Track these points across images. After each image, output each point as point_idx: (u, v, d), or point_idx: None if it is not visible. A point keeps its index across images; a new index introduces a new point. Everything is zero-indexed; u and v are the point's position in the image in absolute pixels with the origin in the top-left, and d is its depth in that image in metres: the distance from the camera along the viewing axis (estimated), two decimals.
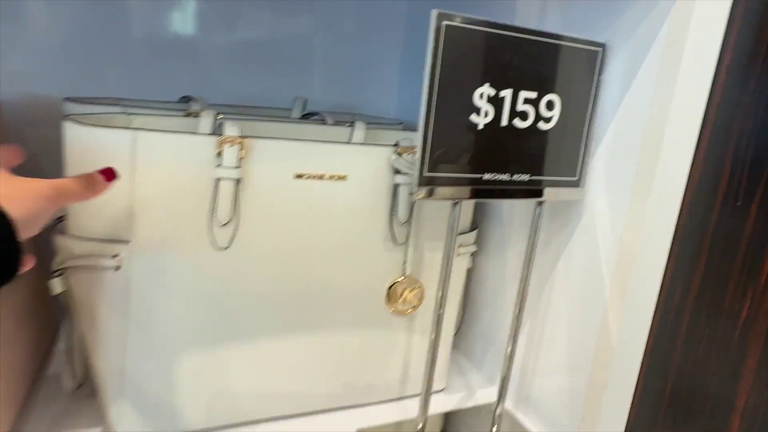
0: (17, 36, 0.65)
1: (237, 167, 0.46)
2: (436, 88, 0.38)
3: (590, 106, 0.44)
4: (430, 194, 0.42)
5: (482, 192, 0.44)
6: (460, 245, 0.56)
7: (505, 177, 0.43)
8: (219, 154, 0.45)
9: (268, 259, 0.48)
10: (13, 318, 0.50)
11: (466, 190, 0.43)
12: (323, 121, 0.58)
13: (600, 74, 0.43)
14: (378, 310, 0.54)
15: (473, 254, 0.59)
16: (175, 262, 0.46)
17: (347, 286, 0.52)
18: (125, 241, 0.45)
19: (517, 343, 0.53)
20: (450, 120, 0.39)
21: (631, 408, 0.47)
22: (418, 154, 0.40)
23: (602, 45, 0.43)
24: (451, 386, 0.62)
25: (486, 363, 0.64)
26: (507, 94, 0.40)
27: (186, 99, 0.58)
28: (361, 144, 0.50)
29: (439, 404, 0.59)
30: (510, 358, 0.53)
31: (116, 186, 0.44)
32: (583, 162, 0.46)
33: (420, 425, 0.51)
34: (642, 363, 0.46)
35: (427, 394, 0.50)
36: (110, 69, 0.69)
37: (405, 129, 0.64)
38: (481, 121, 0.41)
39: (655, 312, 0.45)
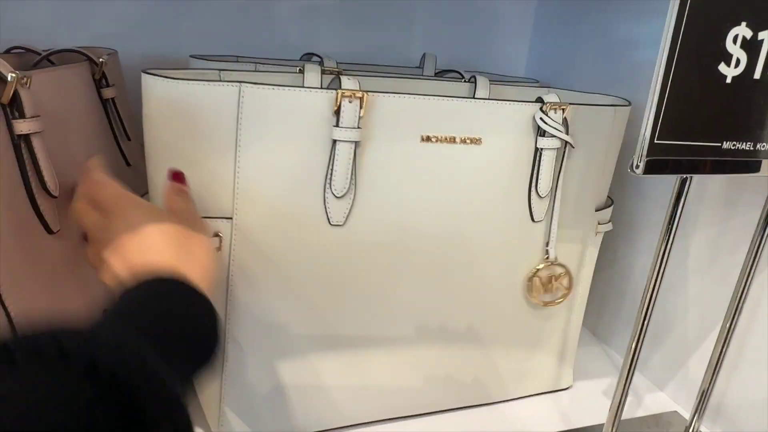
0: None
1: (357, 128, 0.38)
2: (681, 29, 0.29)
3: None
4: (656, 168, 0.33)
5: (720, 165, 0.35)
6: (599, 223, 0.49)
7: (747, 146, 0.34)
8: (336, 112, 0.38)
9: (388, 238, 0.41)
10: None
11: (702, 162, 0.34)
12: (462, 78, 0.50)
13: None
14: (511, 297, 0.47)
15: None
16: (282, 240, 0.40)
17: (478, 267, 0.45)
18: (227, 218, 0.39)
19: (726, 352, 0.44)
20: (692, 72, 0.30)
21: None
22: (647, 116, 0.31)
23: None
24: (596, 386, 0.55)
25: (652, 364, 0.57)
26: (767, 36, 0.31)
27: (309, 56, 0.55)
28: (498, 100, 0.41)
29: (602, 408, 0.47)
30: (716, 369, 0.44)
31: (213, 155, 0.37)
32: None
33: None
34: None
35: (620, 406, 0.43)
36: (228, 29, 0.65)
37: (542, 88, 0.57)
38: (730, 72, 0.32)
39: None
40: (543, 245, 0.46)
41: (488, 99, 0.42)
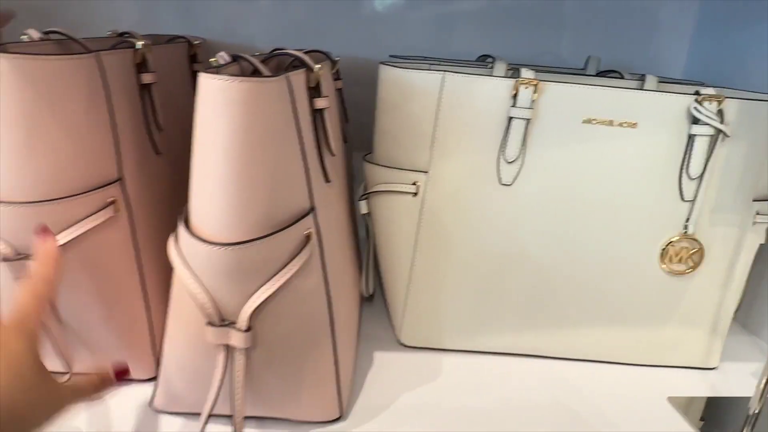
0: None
1: (529, 108, 0.49)
2: None
3: None
4: None
5: None
6: (758, 213, 0.53)
7: None
8: (514, 95, 0.49)
9: (548, 198, 0.51)
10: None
11: None
12: (621, 78, 0.58)
13: None
14: (650, 266, 0.54)
15: None
16: (464, 192, 0.52)
17: (623, 234, 0.53)
18: (424, 171, 0.52)
19: None
20: None
21: None
22: None
23: None
24: (744, 367, 0.59)
25: None
26: None
27: (483, 57, 0.64)
28: (654, 91, 0.49)
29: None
30: None
31: (420, 123, 0.51)
32: None
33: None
34: None
35: None
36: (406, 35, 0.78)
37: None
38: None
39: None
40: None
41: (644, 90, 0.50)
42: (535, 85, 0.48)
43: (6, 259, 0.38)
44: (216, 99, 0.32)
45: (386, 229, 0.55)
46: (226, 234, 0.34)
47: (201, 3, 0.75)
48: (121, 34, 0.59)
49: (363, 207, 0.55)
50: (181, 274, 0.35)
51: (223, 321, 0.36)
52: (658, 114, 0.50)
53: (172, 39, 0.60)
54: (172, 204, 0.51)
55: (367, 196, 0.55)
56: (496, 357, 0.56)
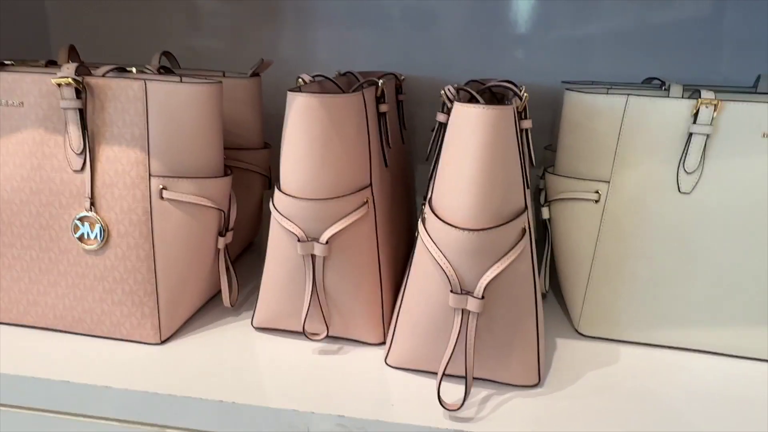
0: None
1: (709, 125, 0.55)
2: None
3: None
4: None
5: None
6: None
7: None
8: (695, 114, 0.55)
9: (727, 205, 0.56)
10: None
11: None
12: None
13: None
14: None
15: None
16: (644, 198, 0.58)
17: None
18: (606, 181, 0.59)
19: None
20: None
21: None
22: None
23: None
24: None
25: None
26: None
27: (649, 80, 0.72)
28: None
29: None
30: None
31: (604, 139, 0.58)
32: None
33: None
34: None
35: None
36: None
37: None
38: None
39: None
40: None
41: None
42: (716, 105, 0.54)
43: (300, 240, 0.52)
44: (473, 121, 0.43)
45: (568, 232, 0.63)
46: (472, 222, 0.45)
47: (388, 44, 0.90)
48: (344, 74, 0.75)
49: (545, 213, 0.64)
50: (431, 250, 0.46)
51: (462, 290, 0.46)
52: None
53: (383, 75, 0.74)
54: (391, 205, 0.64)
55: (549, 203, 0.64)
56: (672, 351, 0.61)
